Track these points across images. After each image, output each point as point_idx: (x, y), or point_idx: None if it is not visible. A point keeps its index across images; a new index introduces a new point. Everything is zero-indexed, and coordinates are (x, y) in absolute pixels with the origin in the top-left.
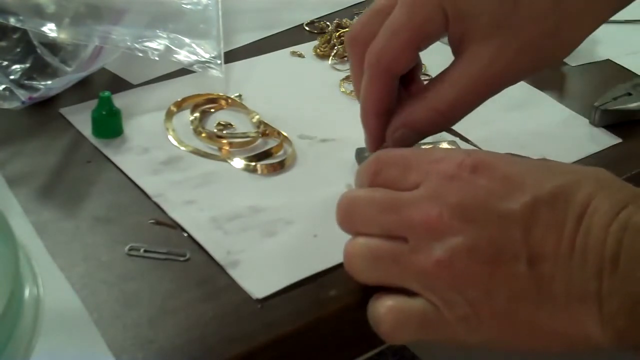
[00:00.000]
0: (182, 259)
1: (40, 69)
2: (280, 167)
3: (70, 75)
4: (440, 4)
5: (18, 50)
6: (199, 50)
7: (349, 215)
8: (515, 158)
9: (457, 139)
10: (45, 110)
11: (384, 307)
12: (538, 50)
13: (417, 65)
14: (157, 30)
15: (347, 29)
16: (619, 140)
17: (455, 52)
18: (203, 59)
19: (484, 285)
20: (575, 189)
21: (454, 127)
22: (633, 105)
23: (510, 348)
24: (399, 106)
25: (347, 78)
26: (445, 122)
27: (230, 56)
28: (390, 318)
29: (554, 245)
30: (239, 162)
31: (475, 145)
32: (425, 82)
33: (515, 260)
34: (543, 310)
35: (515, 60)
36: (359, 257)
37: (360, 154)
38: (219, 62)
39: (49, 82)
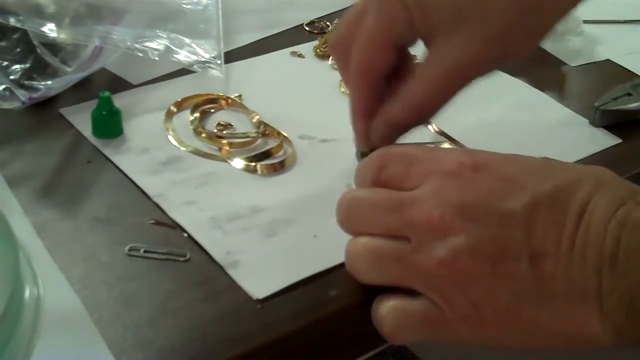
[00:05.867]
0: (182, 259)
1: (40, 69)
2: (280, 167)
3: (70, 75)
4: (404, 1)
5: (18, 50)
6: (199, 50)
7: (350, 216)
8: (517, 157)
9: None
10: (45, 110)
11: (386, 308)
12: (505, 41)
13: (407, 60)
14: (157, 30)
15: None
16: (619, 140)
17: (426, 47)
18: (203, 59)
19: (485, 285)
20: (576, 187)
21: (449, 131)
22: (633, 106)
23: (511, 347)
24: (381, 104)
25: None
26: (420, 117)
27: (230, 56)
28: (392, 318)
29: (555, 243)
30: (239, 162)
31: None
32: None
33: (517, 259)
34: (544, 309)
35: (482, 52)
36: (360, 257)
37: (360, 153)
38: (219, 62)
39: (49, 82)
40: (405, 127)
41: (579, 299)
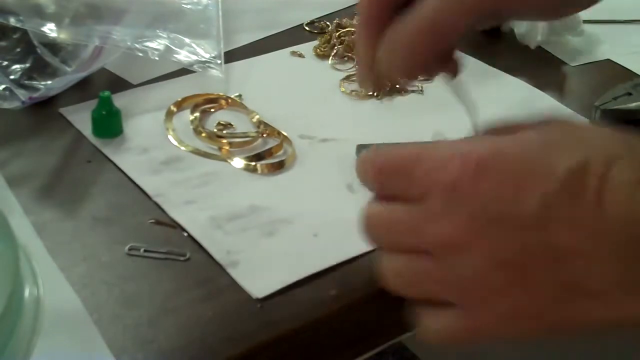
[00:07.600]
0: (182, 259)
1: (40, 69)
2: (280, 167)
3: (70, 75)
4: None
5: (18, 50)
6: (199, 50)
7: (372, 237)
8: (515, 148)
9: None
10: (45, 110)
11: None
12: None
13: None
14: (157, 30)
15: (347, 29)
16: None
17: None
18: (203, 59)
19: (517, 296)
20: (585, 171)
21: (448, 131)
22: (633, 105)
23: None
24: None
25: (347, 78)
26: (433, 37)
27: (230, 56)
28: (434, 338)
29: (576, 240)
30: (239, 162)
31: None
32: None
33: (542, 263)
34: (590, 306)
35: None
36: (392, 275)
37: (360, 152)
38: (219, 62)
39: (49, 82)
40: (417, 54)
41: (624, 293)
